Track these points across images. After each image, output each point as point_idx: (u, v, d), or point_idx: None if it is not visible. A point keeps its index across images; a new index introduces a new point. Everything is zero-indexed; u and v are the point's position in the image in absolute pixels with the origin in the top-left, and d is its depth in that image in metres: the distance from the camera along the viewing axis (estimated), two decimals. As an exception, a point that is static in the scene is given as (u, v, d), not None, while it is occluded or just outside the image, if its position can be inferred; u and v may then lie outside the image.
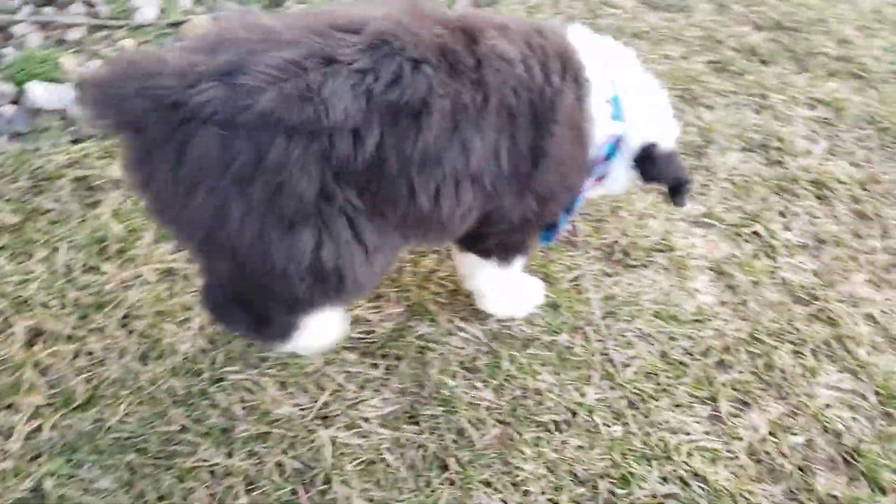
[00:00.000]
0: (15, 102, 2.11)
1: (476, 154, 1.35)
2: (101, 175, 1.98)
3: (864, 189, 2.47)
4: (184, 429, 1.57)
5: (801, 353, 1.96)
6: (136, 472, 1.49)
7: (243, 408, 1.63)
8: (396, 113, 1.24)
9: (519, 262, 1.78)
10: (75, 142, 2.05)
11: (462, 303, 1.91)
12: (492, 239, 1.65)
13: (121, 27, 2.37)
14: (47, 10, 2.38)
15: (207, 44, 1.19)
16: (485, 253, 1.72)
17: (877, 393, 1.90)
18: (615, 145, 1.62)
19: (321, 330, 1.64)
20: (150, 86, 1.11)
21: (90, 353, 1.67)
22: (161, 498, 1.47)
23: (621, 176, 1.70)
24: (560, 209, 1.67)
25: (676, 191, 1.74)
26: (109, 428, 1.55)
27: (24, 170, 1.95)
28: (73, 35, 2.33)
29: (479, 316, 1.89)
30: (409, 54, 1.24)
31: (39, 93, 2.11)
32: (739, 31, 3.02)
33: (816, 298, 2.10)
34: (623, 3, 3.03)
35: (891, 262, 2.26)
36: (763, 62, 2.90)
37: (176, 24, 2.39)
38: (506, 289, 1.84)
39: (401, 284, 1.94)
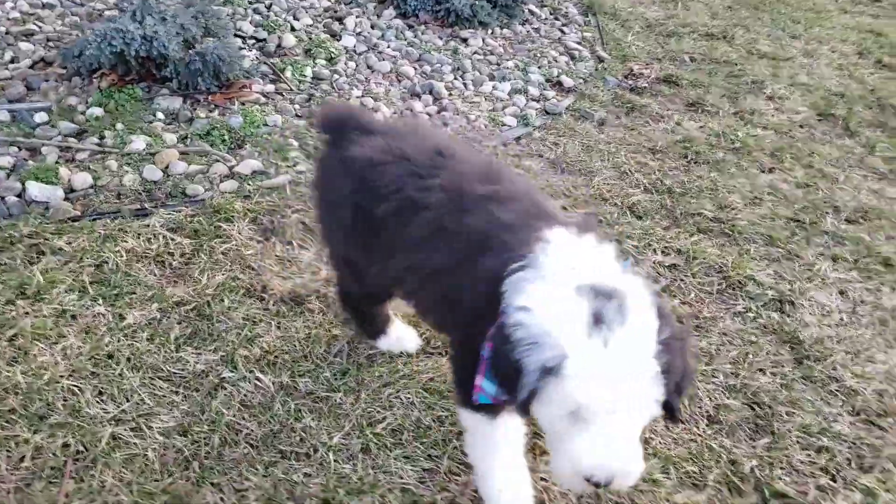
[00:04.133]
0: (18, 196, 3.06)
1: None
2: (49, 244, 2.82)
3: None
4: (13, 410, 2.19)
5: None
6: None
7: (63, 405, 2.23)
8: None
9: (474, 423, 1.95)
10: (41, 223, 2.92)
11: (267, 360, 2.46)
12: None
13: (114, 153, 3.35)
14: (72, 139, 3.42)
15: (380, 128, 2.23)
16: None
17: None
18: None
19: (398, 336, 2.56)
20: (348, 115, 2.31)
21: (-23, 356, 2.37)
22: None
23: None
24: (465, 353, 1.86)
25: None
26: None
27: (-2, 237, 2.83)
28: (80, 156, 3.33)
29: (275, 370, 2.42)
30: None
31: (35, 190, 3.06)
32: (628, 192, 3.56)
33: None
34: (532, 165, 3.70)
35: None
36: (638, 217, 3.40)
37: (153, 153, 3.36)
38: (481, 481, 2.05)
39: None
